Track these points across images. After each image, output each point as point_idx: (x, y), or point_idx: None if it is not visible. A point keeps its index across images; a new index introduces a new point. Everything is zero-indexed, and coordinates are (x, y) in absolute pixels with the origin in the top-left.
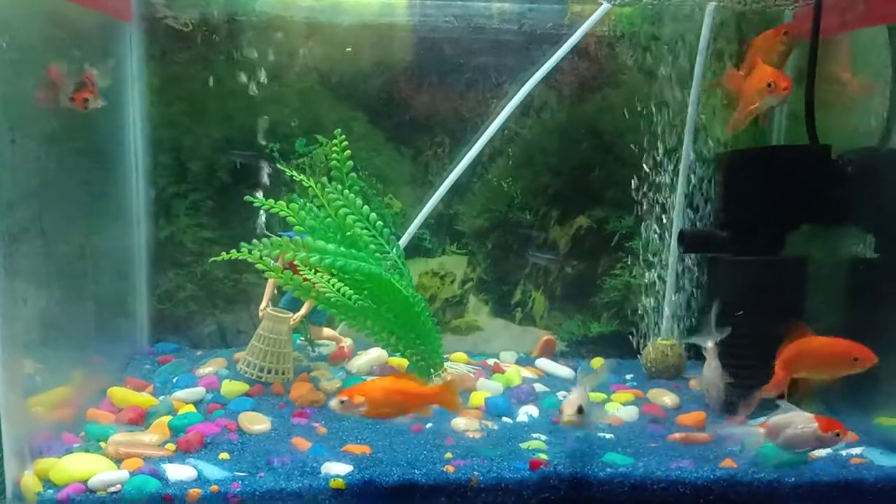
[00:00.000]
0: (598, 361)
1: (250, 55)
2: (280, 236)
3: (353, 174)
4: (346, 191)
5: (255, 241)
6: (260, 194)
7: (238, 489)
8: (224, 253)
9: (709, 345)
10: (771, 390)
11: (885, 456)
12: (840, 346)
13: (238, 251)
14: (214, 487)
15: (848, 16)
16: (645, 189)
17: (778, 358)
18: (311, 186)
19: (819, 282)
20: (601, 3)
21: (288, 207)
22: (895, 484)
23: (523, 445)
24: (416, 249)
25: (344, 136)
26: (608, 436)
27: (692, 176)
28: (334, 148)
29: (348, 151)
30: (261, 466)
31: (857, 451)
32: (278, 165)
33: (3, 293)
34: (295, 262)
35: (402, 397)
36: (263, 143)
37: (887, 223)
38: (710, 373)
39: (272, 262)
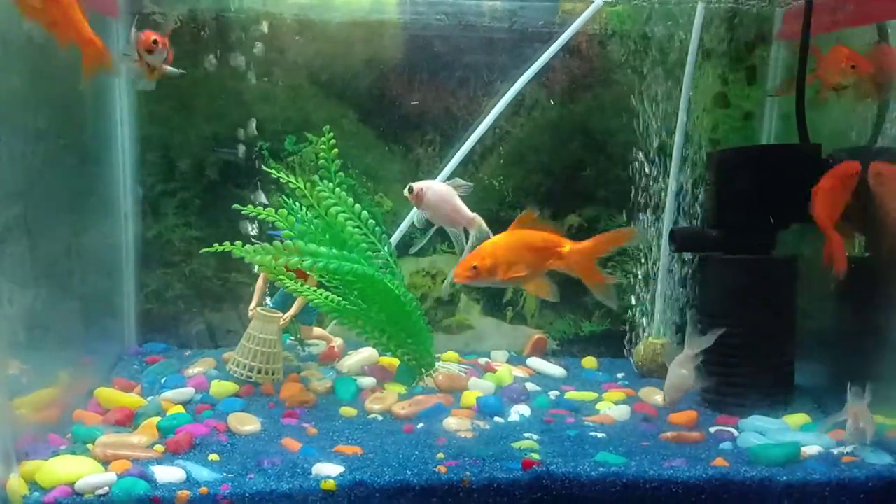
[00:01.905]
0: (589, 361)
1: (239, 52)
2: (271, 237)
3: (342, 173)
4: (338, 189)
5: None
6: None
7: (228, 491)
8: (217, 245)
9: (686, 352)
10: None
11: (876, 454)
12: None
13: (232, 245)
14: (204, 489)
15: (839, 14)
16: (636, 187)
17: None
18: (298, 187)
19: (810, 281)
20: (592, 1)
21: (277, 211)
22: (886, 482)
23: (515, 445)
24: (406, 248)
25: (332, 134)
26: (600, 435)
27: (682, 174)
28: (322, 145)
29: (336, 150)
30: (251, 468)
31: (848, 449)
32: (264, 167)
33: None
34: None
35: None
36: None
37: (877, 222)
38: (677, 379)
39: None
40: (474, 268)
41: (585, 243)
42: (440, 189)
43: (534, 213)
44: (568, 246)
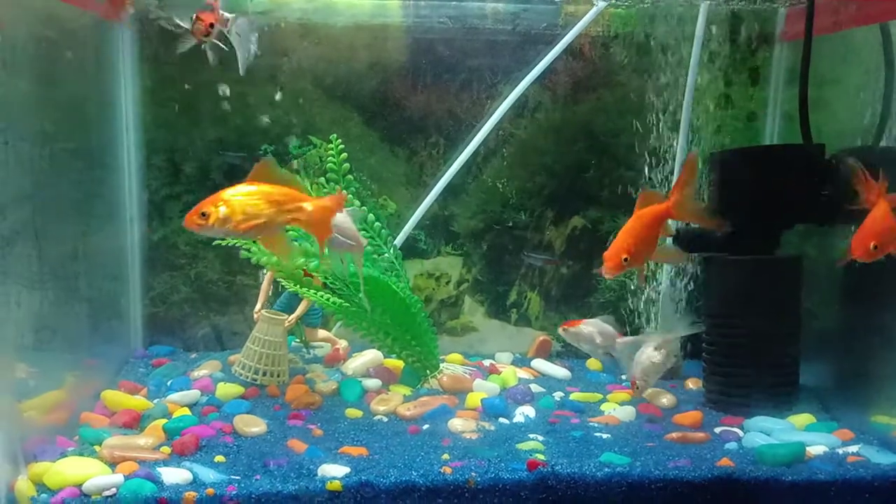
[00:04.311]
0: (594, 362)
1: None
2: None
3: (350, 176)
4: (344, 191)
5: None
6: None
7: (234, 492)
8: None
9: (662, 337)
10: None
11: (881, 454)
12: None
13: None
14: (210, 490)
15: (841, 15)
16: (640, 188)
17: None
18: (305, 188)
19: (814, 281)
20: (595, 4)
21: None
22: (892, 482)
23: (520, 446)
24: (411, 250)
25: (340, 141)
26: (605, 435)
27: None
28: (330, 152)
29: (345, 154)
30: (257, 469)
31: (853, 448)
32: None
33: None
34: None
35: None
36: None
37: None
38: (649, 367)
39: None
40: (203, 215)
41: (324, 200)
42: (347, 218)
43: (270, 164)
44: (311, 203)
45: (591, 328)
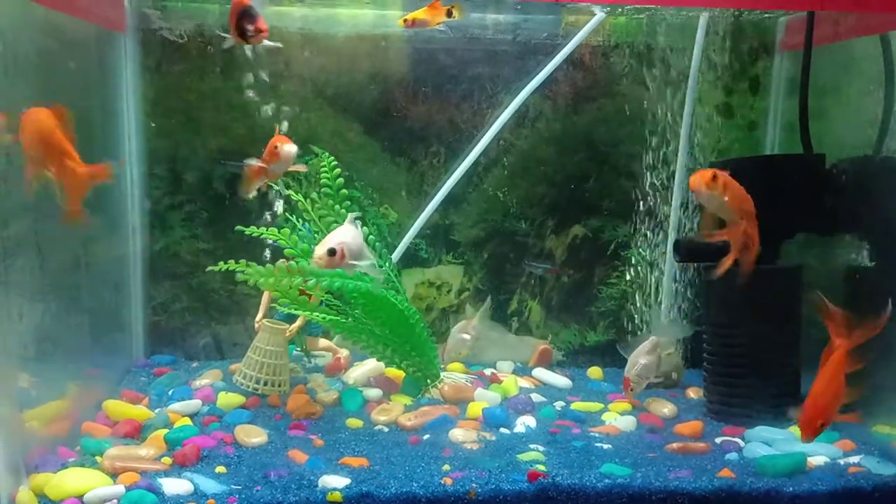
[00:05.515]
0: (595, 371)
1: (245, 66)
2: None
3: (345, 190)
4: (337, 206)
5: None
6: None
7: (235, 503)
8: (223, 263)
9: (653, 338)
10: None
11: (882, 464)
12: None
13: (236, 262)
14: (211, 501)
15: (841, 26)
16: (640, 198)
17: None
18: (300, 200)
19: (814, 290)
20: (595, 14)
21: (280, 230)
22: (893, 492)
23: (521, 456)
24: (412, 259)
25: (332, 158)
26: (606, 446)
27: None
28: (323, 167)
29: (338, 170)
30: (258, 480)
31: (854, 459)
32: (270, 184)
33: None
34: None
35: None
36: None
37: (882, 231)
38: (642, 368)
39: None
40: None
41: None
42: (353, 232)
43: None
44: (73, 163)
45: (457, 328)
